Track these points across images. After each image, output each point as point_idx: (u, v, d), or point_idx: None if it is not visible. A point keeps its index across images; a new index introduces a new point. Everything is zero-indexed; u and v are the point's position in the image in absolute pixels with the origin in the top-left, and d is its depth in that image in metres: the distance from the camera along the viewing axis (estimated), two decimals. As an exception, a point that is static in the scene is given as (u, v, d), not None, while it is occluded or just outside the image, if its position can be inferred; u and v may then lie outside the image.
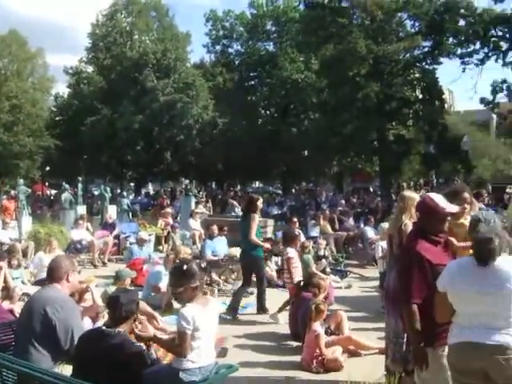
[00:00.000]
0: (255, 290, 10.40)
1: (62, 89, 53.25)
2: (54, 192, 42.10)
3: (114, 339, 4.68)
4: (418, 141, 34.91)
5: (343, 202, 26.44)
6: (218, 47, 49.04)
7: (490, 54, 32.46)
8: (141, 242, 14.56)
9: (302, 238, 13.01)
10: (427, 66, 34.31)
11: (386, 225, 9.77)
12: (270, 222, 18.37)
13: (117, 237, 17.36)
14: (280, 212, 26.38)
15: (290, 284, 9.87)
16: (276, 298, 10.40)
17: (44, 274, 7.23)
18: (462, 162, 33.05)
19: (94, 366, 4.54)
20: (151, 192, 46.68)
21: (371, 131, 31.92)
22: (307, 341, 7.28)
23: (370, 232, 16.89)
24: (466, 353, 3.94)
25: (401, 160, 34.51)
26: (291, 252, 9.72)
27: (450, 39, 32.97)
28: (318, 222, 18.00)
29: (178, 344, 4.62)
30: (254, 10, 47.34)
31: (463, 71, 33.09)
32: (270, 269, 12.58)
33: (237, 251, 12.94)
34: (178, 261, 7.29)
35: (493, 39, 32.07)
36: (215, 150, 40.43)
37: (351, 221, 20.61)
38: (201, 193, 35.93)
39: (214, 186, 50.67)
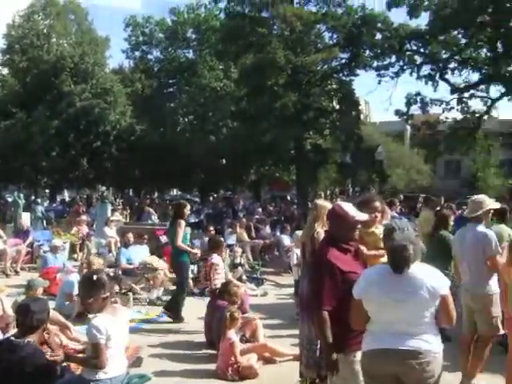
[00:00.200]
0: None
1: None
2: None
3: (24, 350, 4.58)
4: (334, 150, 35.51)
5: (260, 210, 26.60)
6: (137, 53, 48.61)
7: (404, 68, 33.38)
8: (54, 250, 14.21)
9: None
10: (344, 78, 34.94)
11: (300, 233, 9.87)
12: (188, 230, 18.26)
13: (30, 245, 16.88)
14: (197, 220, 26.28)
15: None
16: (192, 306, 10.38)
17: None
18: (377, 172, 33.80)
19: (4, 378, 4.42)
20: (67, 199, 45.63)
21: (289, 140, 32.19)
22: (222, 349, 7.29)
23: (286, 240, 17.08)
24: (379, 359, 3.99)
25: (317, 169, 35.05)
26: (216, 258, 9.71)
27: (367, 52, 33.69)
28: (234, 230, 18.06)
29: (95, 356, 4.56)
30: (175, 17, 47.15)
31: (379, 83, 33.96)
32: (186, 276, 12.52)
33: (153, 259, 12.87)
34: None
35: (408, 53, 33.02)
36: (132, 156, 39.96)
37: (268, 229, 20.77)
38: (117, 200, 35.39)
39: (131, 193, 50.03)
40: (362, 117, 38.15)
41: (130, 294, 11.64)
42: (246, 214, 25.33)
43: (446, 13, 29.70)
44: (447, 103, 33.59)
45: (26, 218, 20.75)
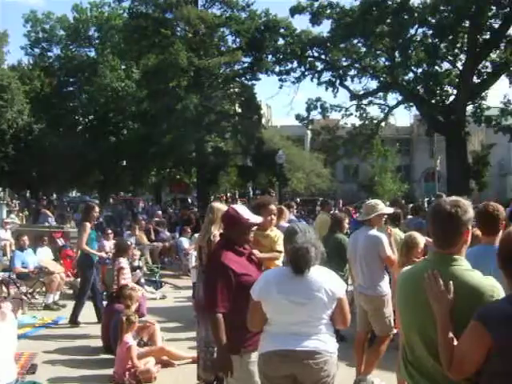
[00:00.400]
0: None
1: None
2: None
3: None
4: (235, 153, 35.82)
5: (160, 212, 26.41)
6: (36, 50, 47.33)
7: (306, 73, 34.12)
8: None
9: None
10: (246, 81, 35.36)
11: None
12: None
13: None
14: (96, 222, 25.77)
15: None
16: (90, 310, 10.19)
17: None
18: (278, 175, 34.28)
19: None
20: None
21: (190, 143, 32.18)
22: (119, 353, 7.20)
23: (185, 242, 17.06)
24: (276, 360, 4.01)
25: (218, 172, 35.20)
26: (123, 262, 9.58)
27: (269, 57, 34.22)
28: (133, 233, 17.91)
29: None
30: (77, 14, 46.18)
31: (280, 88, 34.55)
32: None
33: (48, 263, 12.60)
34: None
35: (309, 59, 33.79)
36: (30, 157, 38.80)
37: (167, 231, 20.70)
38: (14, 201, 34.32)
39: (28, 194, 48.61)
40: (263, 121, 38.61)
41: (25, 298, 11.32)
42: (146, 216, 25.09)
43: (346, 21, 30.52)
44: (346, 109, 34.64)
45: None
